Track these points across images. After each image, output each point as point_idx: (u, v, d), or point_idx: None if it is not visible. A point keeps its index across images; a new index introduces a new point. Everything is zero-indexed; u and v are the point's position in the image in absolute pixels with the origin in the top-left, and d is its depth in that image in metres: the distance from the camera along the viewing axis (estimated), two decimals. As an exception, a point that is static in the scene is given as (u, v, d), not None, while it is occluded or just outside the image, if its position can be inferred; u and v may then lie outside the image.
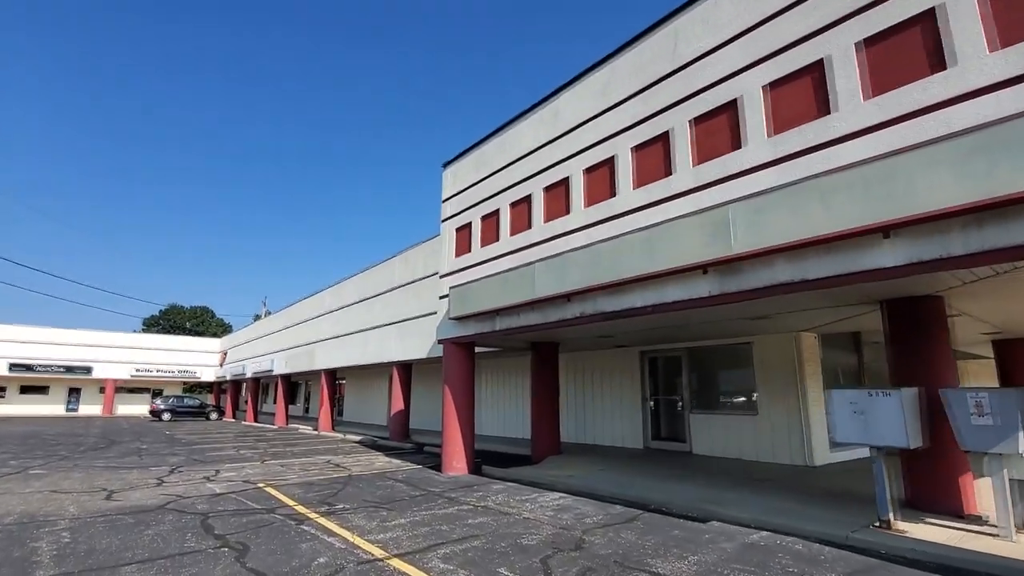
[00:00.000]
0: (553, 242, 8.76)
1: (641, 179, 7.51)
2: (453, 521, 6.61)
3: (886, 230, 4.93)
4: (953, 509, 6.26)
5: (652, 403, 13.31)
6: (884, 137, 5.12)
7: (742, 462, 10.75)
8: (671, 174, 7.09)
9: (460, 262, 11.05)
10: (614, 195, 7.85)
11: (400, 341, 17.78)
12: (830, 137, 5.52)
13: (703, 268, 6.37)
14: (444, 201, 12.00)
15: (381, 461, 12.57)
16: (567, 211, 8.64)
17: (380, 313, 19.53)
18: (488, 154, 10.75)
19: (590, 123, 8.45)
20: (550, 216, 8.98)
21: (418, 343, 16.60)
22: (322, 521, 6.66)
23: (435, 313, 15.99)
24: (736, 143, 6.40)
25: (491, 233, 10.34)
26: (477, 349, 13.95)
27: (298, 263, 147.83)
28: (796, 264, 5.56)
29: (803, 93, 5.86)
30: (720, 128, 6.62)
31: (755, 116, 6.24)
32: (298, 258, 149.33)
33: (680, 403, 12.63)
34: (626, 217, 7.56)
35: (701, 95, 6.86)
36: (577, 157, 8.59)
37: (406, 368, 18.39)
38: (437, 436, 17.79)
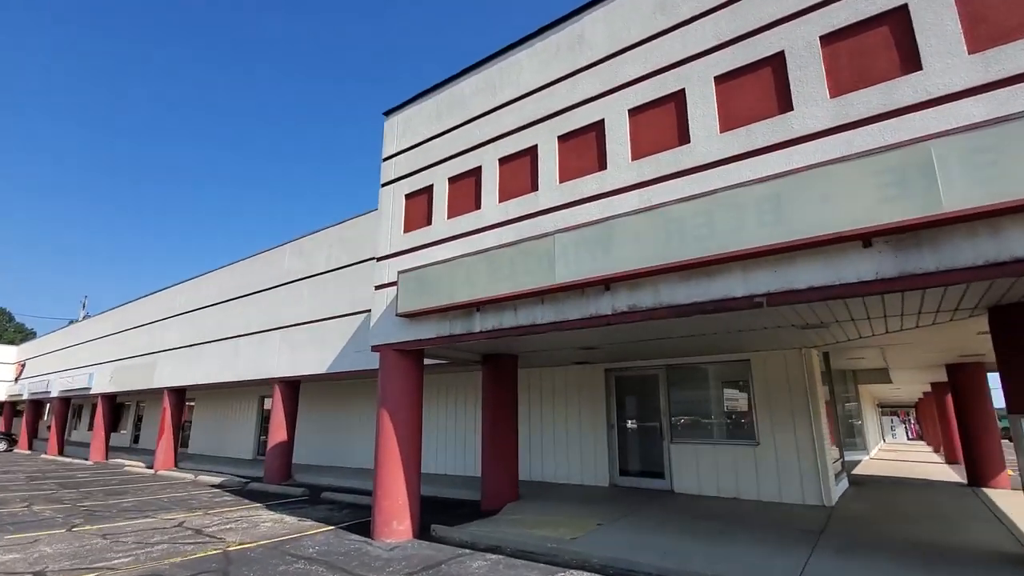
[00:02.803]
0: (577, 208, 6.22)
1: (733, 119, 5.33)
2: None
3: None
4: None
5: (619, 431, 11.15)
6: None
7: (741, 503, 8.94)
8: (789, 110, 5.00)
9: (413, 239, 8.00)
10: (685, 142, 5.58)
11: (288, 352, 13.82)
12: (1092, 48, 3.78)
13: (865, 238, 4.28)
14: (386, 159, 8.87)
15: (267, 520, 8.75)
16: (601, 165, 6.19)
17: (258, 316, 15.30)
18: (462, 96, 7.96)
19: (639, 49, 6.15)
20: (571, 174, 6.45)
21: (315, 354, 12.89)
22: None
23: (341, 316, 12.57)
24: (909, 63, 4.48)
25: (466, 198, 7.50)
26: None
27: (135, 265, 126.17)
28: (1056, 229, 3.67)
29: (1031, -9, 4.11)
30: (878, 44, 4.68)
31: (943, 25, 4.38)
32: (137, 262, 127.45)
33: (657, 431, 10.62)
34: (710, 171, 5.31)
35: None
36: (618, 94, 6.22)
37: (292, 387, 14.32)
38: (332, 475, 13.90)
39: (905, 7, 4.56)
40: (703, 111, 5.51)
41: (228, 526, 8.26)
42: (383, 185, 8.79)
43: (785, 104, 5.03)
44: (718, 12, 5.61)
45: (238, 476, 14.50)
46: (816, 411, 8.92)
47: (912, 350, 10.24)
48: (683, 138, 5.60)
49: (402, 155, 8.60)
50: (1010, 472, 11.45)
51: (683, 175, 5.47)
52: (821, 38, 4.95)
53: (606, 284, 5.71)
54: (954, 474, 13.98)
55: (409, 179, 8.36)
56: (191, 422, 23.37)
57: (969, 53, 4.23)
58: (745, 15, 5.42)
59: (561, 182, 6.49)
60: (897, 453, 23.50)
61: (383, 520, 7.28)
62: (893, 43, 4.59)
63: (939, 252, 4.04)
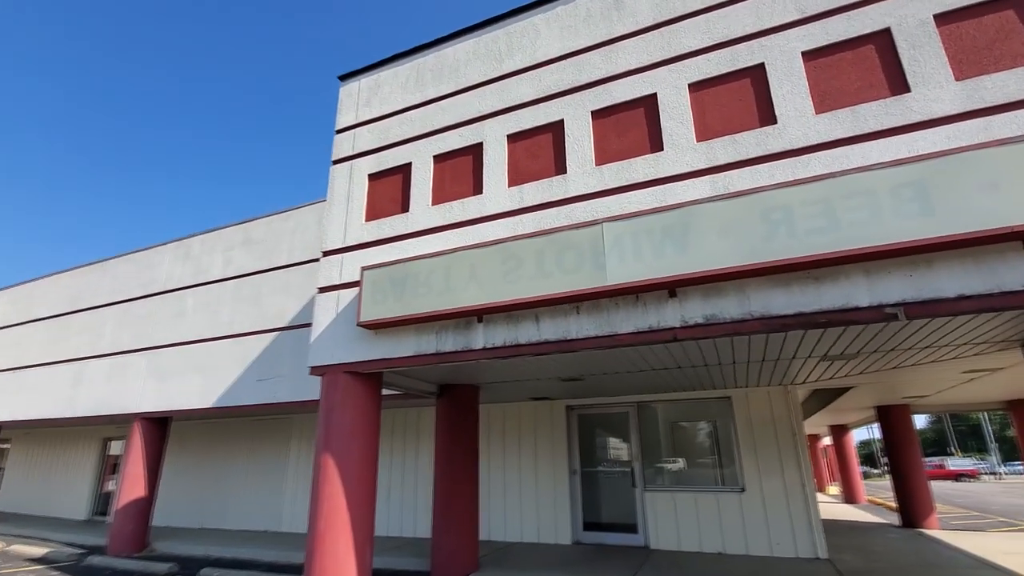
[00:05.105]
0: (624, 195, 4.99)
1: (831, 99, 4.50)
2: None
3: None
4: None
5: (583, 478, 9.76)
6: None
7: (731, 559, 7.93)
8: (904, 91, 4.25)
9: (380, 229, 6.20)
10: (770, 122, 4.64)
11: (157, 380, 10.83)
12: None
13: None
14: (341, 132, 7.04)
15: (125, 618, 6.01)
16: (655, 146, 5.05)
17: (114, 334, 12.09)
18: (454, 61, 6.51)
19: (697, 18, 5.23)
20: (612, 155, 5.23)
21: (198, 384, 10.20)
22: None
23: (240, 336, 10.08)
24: (1054, 46, 3.94)
25: (460, 180, 5.94)
26: (301, 397, 8.76)
27: None
28: None
29: None
30: (1007, 27, 4.10)
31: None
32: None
33: (628, 477, 9.39)
34: (810, 156, 4.38)
35: (954, -20, 4.34)
36: (673, 66, 5.19)
37: (158, 426, 11.11)
38: (209, 542, 10.72)
39: (1038, -12, 4.07)
40: (790, 89, 4.64)
41: (59, 635, 5.46)
42: (336, 162, 6.91)
43: (899, 85, 4.30)
44: (805, -21, 4.86)
45: (70, 545, 10.74)
46: (803, 453, 8.32)
47: (870, 391, 10.21)
48: (767, 118, 4.67)
49: (366, 126, 6.85)
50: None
51: (772, 159, 4.49)
52: (936, 17, 4.32)
53: (671, 289, 4.47)
54: (870, 515, 14.45)
55: (376, 155, 6.61)
56: (3, 470, 17.86)
57: (1125, 38, 3.76)
58: (844, -18, 4.71)
59: (598, 164, 5.25)
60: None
61: (322, 615, 5.12)
62: (1026, 25, 4.05)
63: None
